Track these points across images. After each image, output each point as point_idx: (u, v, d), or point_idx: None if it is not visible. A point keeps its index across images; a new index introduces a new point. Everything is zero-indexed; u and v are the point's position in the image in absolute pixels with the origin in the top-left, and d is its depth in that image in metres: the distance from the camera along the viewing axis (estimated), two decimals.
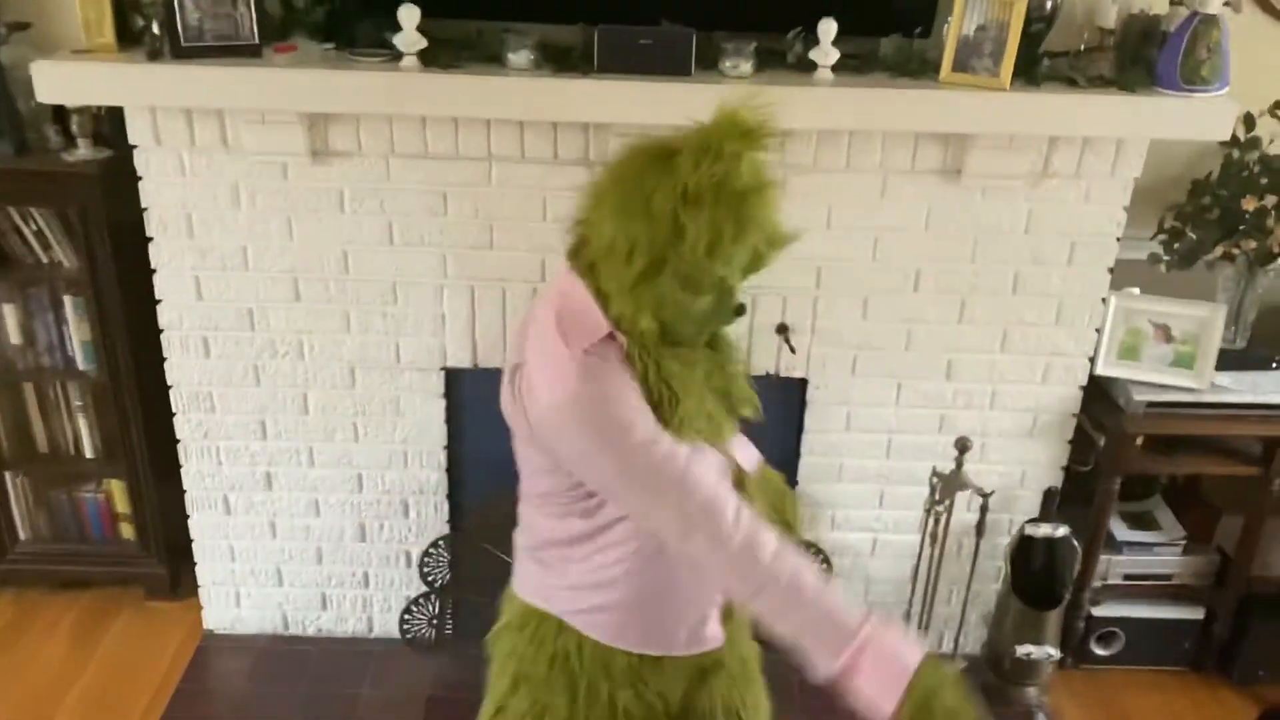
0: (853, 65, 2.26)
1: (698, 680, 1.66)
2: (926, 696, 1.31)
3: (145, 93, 2.21)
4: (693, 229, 1.32)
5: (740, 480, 1.55)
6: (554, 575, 1.61)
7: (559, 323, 1.43)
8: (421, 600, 2.73)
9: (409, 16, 2.15)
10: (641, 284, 1.37)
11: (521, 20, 2.27)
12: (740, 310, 1.44)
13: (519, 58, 2.21)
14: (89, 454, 2.85)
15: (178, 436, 2.63)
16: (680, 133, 1.37)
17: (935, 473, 2.51)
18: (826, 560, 2.72)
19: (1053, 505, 2.63)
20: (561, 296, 1.46)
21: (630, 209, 1.35)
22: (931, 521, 2.55)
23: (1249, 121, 2.52)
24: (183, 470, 2.67)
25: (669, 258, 1.34)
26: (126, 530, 2.92)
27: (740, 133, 1.33)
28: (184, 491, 2.71)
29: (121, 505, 2.90)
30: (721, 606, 1.62)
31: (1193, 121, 2.21)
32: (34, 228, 2.60)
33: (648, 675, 1.61)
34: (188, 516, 2.73)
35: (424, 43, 2.19)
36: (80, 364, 2.73)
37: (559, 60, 2.24)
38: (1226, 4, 2.14)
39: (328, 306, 2.48)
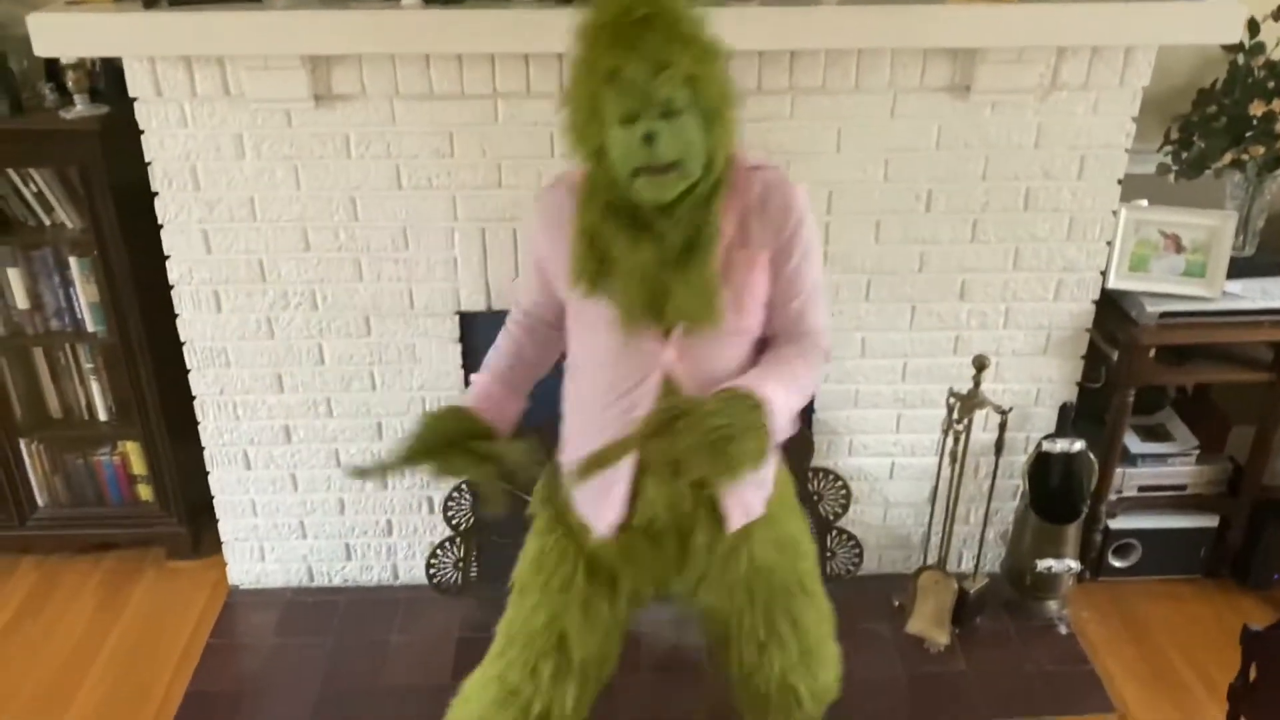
0: None
1: (625, 561, 1.76)
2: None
3: (144, 42, 2.17)
4: (612, 59, 1.41)
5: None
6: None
7: None
8: (446, 545, 2.74)
9: None
10: (577, 99, 1.48)
11: None
12: (648, 139, 1.43)
13: None
14: (103, 417, 2.84)
15: (193, 394, 2.62)
16: None
17: (953, 393, 2.53)
18: (845, 487, 2.74)
19: (1068, 421, 2.66)
20: None
21: (578, 63, 1.48)
22: (950, 441, 2.57)
23: (1253, 27, 2.52)
24: (200, 427, 2.66)
25: (597, 87, 1.44)
26: (145, 492, 2.92)
27: None
28: (202, 449, 2.70)
29: (138, 467, 2.89)
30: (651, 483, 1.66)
31: (1202, 25, 2.20)
32: (34, 189, 2.57)
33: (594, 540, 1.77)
34: (206, 474, 2.73)
35: None
36: (89, 326, 2.71)
37: None
38: None
39: (338, 255, 2.47)
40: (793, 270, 1.63)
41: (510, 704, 1.76)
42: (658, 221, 1.53)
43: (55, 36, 2.15)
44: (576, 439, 1.75)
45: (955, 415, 2.52)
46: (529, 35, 2.17)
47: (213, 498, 2.77)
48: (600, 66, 1.42)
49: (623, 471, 1.66)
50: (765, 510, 1.78)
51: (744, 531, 1.76)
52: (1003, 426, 2.52)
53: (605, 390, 1.66)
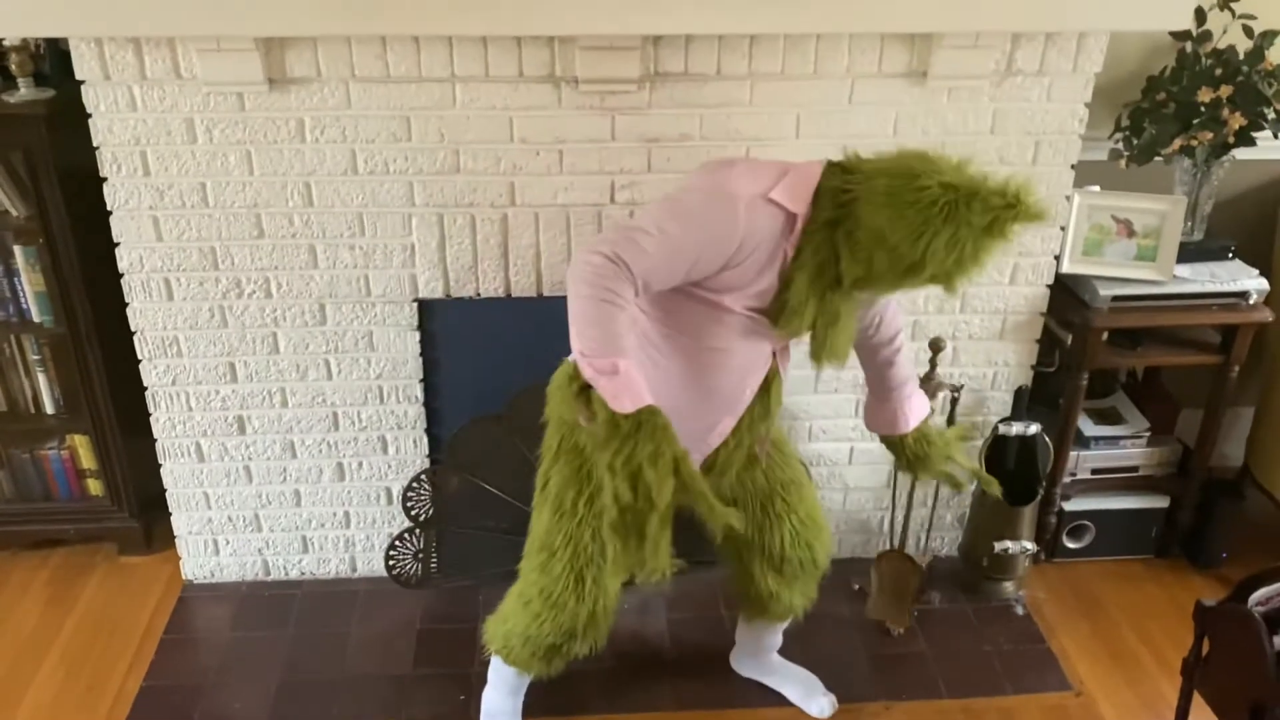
0: None
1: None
2: (654, 426, 1.61)
3: (92, 21, 2.11)
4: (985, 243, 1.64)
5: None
6: None
7: (776, 168, 1.79)
8: (405, 536, 2.72)
9: None
10: (909, 271, 1.69)
11: None
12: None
13: None
14: (50, 409, 2.78)
15: (144, 384, 2.57)
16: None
17: None
18: (806, 472, 2.74)
19: (1024, 404, 2.69)
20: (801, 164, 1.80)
21: (929, 213, 1.63)
22: None
23: (1200, 15, 2.56)
24: (151, 419, 2.61)
25: (935, 264, 1.66)
26: (94, 486, 2.86)
27: (1015, 205, 1.62)
28: (153, 441, 2.65)
29: (87, 461, 2.83)
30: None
31: (1153, 10, 2.24)
32: None
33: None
34: (158, 467, 2.68)
35: None
36: (35, 316, 2.64)
37: None
38: None
39: (293, 241, 2.43)
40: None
41: (556, 614, 1.94)
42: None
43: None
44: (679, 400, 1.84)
45: None
46: (487, 17, 2.15)
47: (165, 491, 2.71)
48: (975, 266, 1.68)
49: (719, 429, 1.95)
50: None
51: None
52: (954, 401, 2.55)
53: (725, 369, 1.88)
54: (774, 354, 1.94)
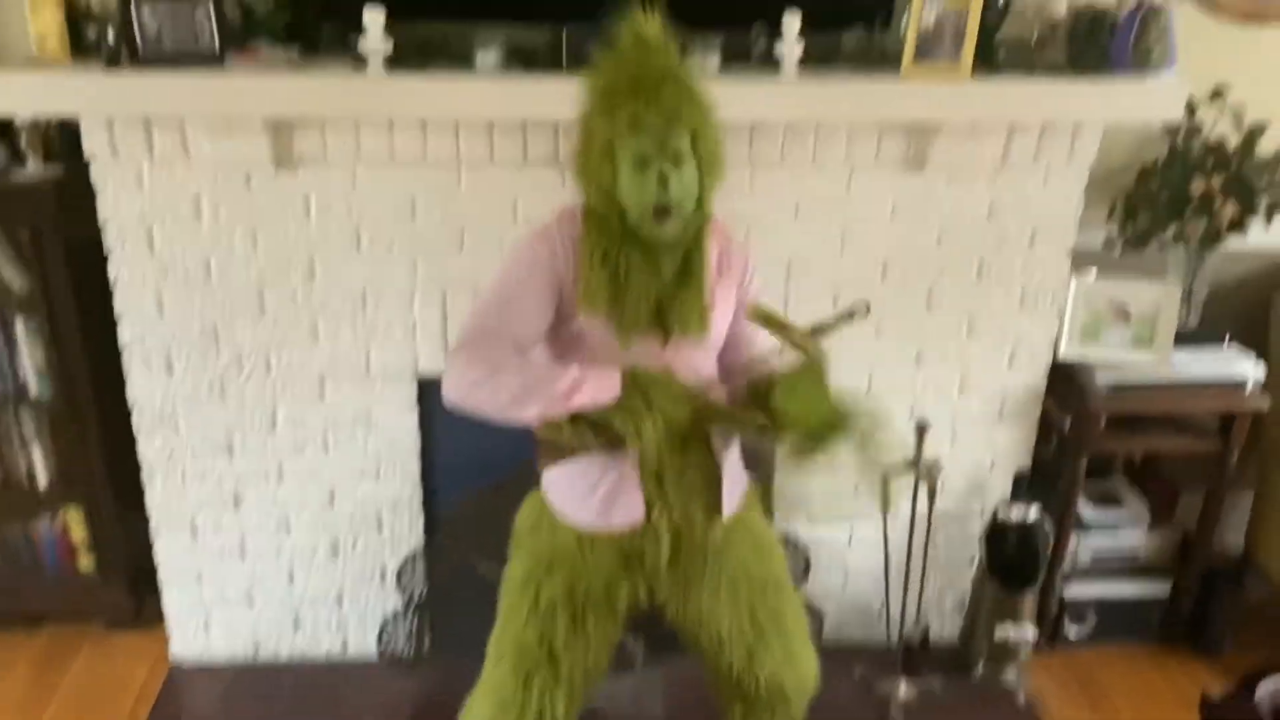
0: (816, 60, 2.30)
1: (620, 568, 1.85)
2: (641, 378, 1.63)
3: (104, 102, 2.16)
4: (632, 107, 1.61)
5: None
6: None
7: None
8: (399, 616, 2.68)
9: (374, 19, 2.13)
10: (581, 161, 1.68)
11: (488, 21, 2.27)
12: (663, 181, 1.63)
13: (487, 58, 2.21)
14: (43, 483, 2.75)
15: (140, 459, 2.55)
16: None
17: (883, 465, 2.50)
18: (805, 557, 2.73)
19: (1023, 488, 2.68)
20: None
21: (592, 108, 1.66)
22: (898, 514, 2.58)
23: (1190, 108, 2.61)
24: (146, 494, 2.59)
25: (615, 136, 1.63)
26: (85, 562, 2.82)
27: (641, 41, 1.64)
28: (147, 517, 2.63)
29: (79, 535, 2.80)
30: (646, 487, 1.79)
31: (1147, 102, 2.29)
32: None
33: (585, 552, 1.84)
34: (151, 543, 2.65)
35: (389, 46, 2.17)
36: (33, 390, 2.63)
37: (527, 60, 2.24)
38: None
39: (295, 318, 2.44)
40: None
41: (506, 714, 1.86)
42: (659, 248, 1.72)
43: (12, 96, 2.13)
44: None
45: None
46: (493, 104, 2.19)
47: (156, 567, 2.68)
48: (621, 113, 1.62)
49: (631, 477, 1.79)
50: (741, 509, 1.95)
51: (728, 527, 1.90)
52: (933, 487, 2.49)
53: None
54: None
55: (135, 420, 2.51)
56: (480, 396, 1.66)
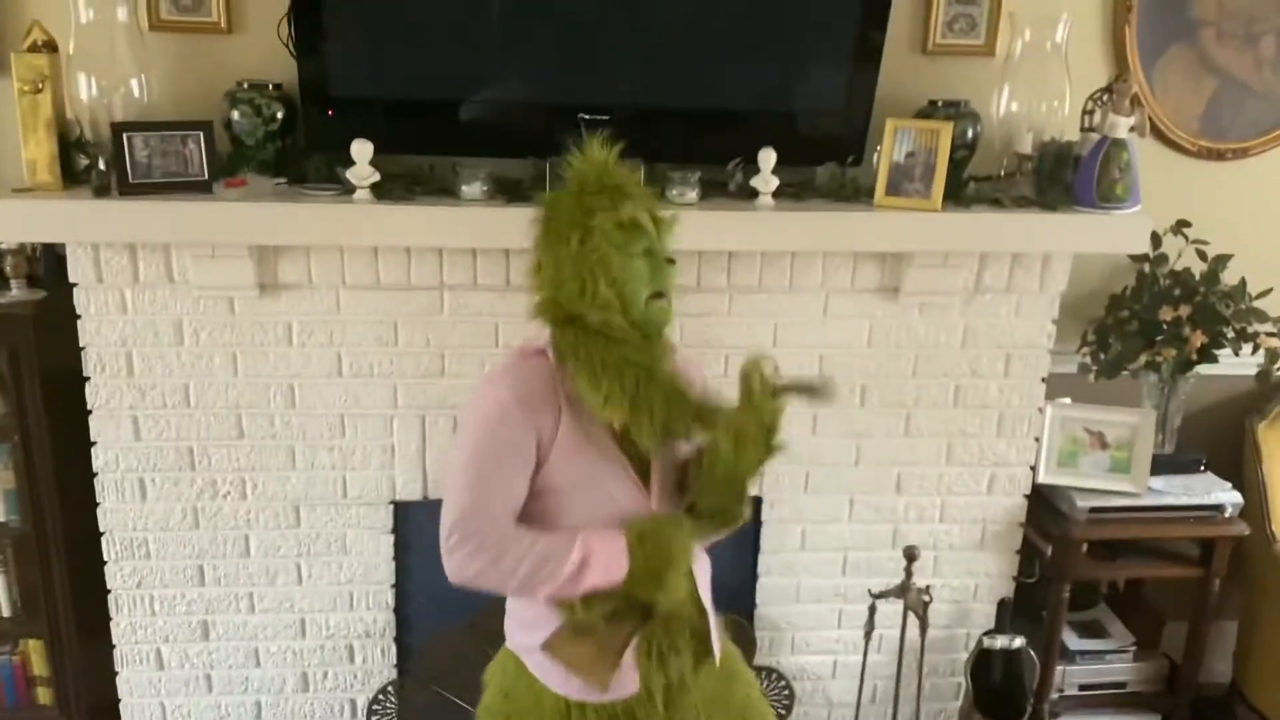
0: (791, 193, 2.37)
1: None
2: (644, 534, 1.62)
3: (93, 229, 2.18)
4: (594, 200, 1.64)
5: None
6: (511, 613, 1.84)
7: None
8: None
9: (362, 151, 2.19)
10: (586, 255, 1.63)
11: (472, 155, 2.32)
12: (670, 261, 1.68)
13: (472, 189, 2.26)
14: (5, 612, 2.66)
15: (108, 587, 2.49)
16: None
17: (872, 594, 2.49)
18: (789, 687, 2.67)
19: (1007, 616, 2.65)
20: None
21: (556, 229, 1.66)
22: (878, 641, 2.54)
23: (1155, 239, 2.69)
24: (112, 623, 2.52)
25: (592, 226, 1.63)
26: (44, 695, 2.71)
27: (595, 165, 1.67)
28: (110, 648, 2.55)
29: (39, 668, 2.69)
30: (641, 657, 1.72)
31: (1112, 235, 2.36)
32: None
33: (580, 709, 1.74)
34: (113, 675, 2.57)
35: (377, 176, 2.22)
36: (1, 515, 2.58)
37: (511, 192, 2.29)
38: (1132, 130, 2.31)
39: (273, 442, 2.42)
40: None
41: None
42: (653, 351, 1.70)
43: (3, 222, 2.15)
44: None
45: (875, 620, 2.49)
46: (478, 232, 2.23)
47: (118, 701, 2.59)
48: (607, 218, 1.62)
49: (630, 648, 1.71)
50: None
51: (710, 675, 1.85)
52: (925, 606, 2.45)
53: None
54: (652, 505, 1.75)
55: (105, 548, 2.46)
56: (487, 584, 1.66)
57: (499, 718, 1.83)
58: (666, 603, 1.65)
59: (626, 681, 1.72)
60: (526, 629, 1.78)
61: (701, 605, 1.80)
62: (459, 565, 1.65)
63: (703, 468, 1.73)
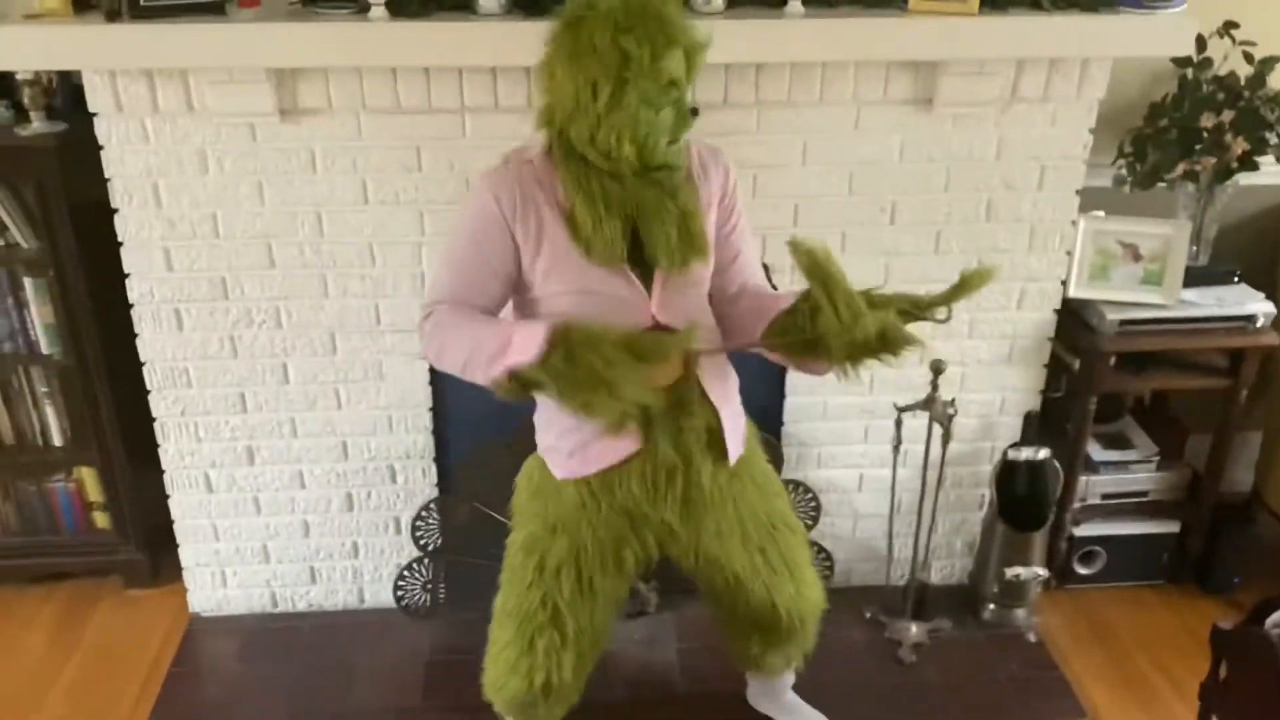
0: None
1: (628, 528, 1.90)
2: (570, 332, 1.59)
3: (106, 55, 2.14)
4: (634, 48, 1.57)
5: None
6: (536, 417, 1.96)
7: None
8: (414, 566, 2.70)
9: None
10: (613, 111, 1.61)
11: None
12: (695, 111, 1.68)
13: (489, 3, 2.19)
14: (58, 442, 2.77)
15: (153, 415, 2.56)
16: None
17: (898, 407, 2.53)
18: (815, 499, 2.75)
19: (1033, 429, 2.69)
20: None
21: (579, 56, 1.60)
22: (903, 455, 2.60)
23: (1200, 43, 2.59)
24: (160, 450, 2.60)
25: (627, 79, 1.59)
26: (100, 519, 2.85)
27: None
28: (161, 473, 2.64)
29: (94, 494, 2.82)
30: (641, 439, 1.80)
31: (1155, 37, 2.26)
32: None
33: (591, 514, 1.87)
34: (166, 499, 2.67)
35: None
36: (44, 348, 2.64)
37: (529, 5, 2.22)
38: None
39: (304, 271, 2.44)
40: (741, 223, 1.90)
41: (515, 673, 1.93)
42: (642, 180, 1.71)
43: (14, 50, 2.12)
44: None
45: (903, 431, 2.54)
46: (496, 48, 2.17)
47: (172, 523, 2.70)
48: (637, 56, 1.58)
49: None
50: (744, 449, 1.96)
51: (732, 471, 1.94)
52: (947, 425, 2.51)
53: None
54: (654, 314, 1.79)
55: (147, 377, 2.52)
56: (444, 365, 1.74)
57: (528, 515, 1.95)
58: (562, 401, 1.61)
59: (605, 451, 1.81)
60: (543, 429, 1.92)
61: (713, 406, 1.84)
62: (425, 345, 1.76)
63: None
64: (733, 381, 1.95)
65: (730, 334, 1.89)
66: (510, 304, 1.85)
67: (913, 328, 1.72)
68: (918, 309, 1.72)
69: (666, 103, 1.64)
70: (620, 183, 1.70)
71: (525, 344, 1.59)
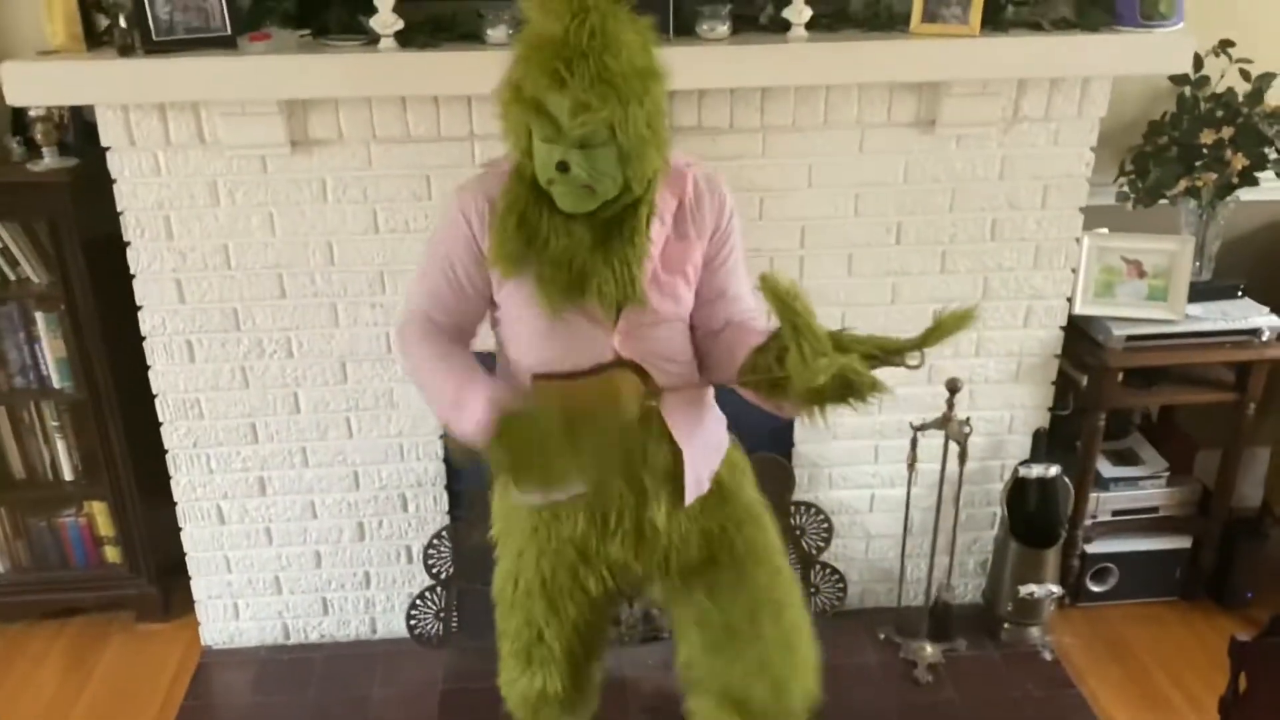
0: (824, 23, 2.32)
1: (578, 558, 1.83)
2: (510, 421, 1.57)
3: (119, 89, 2.17)
4: (519, 68, 1.52)
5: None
6: None
7: None
8: (426, 594, 2.70)
9: None
10: (508, 109, 1.55)
11: None
12: (562, 167, 1.53)
13: (497, 33, 2.22)
14: (68, 476, 2.77)
15: (165, 447, 2.57)
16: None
17: (913, 426, 2.54)
18: (827, 520, 2.75)
19: (1043, 446, 2.70)
20: None
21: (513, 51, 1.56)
22: (916, 473, 2.60)
23: (1197, 61, 2.62)
24: (172, 482, 2.60)
25: (520, 89, 1.52)
26: (111, 553, 2.84)
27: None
28: (171, 507, 2.64)
29: (105, 528, 2.82)
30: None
31: (1154, 55, 2.30)
32: (0, 245, 2.53)
33: (543, 540, 1.84)
34: (178, 531, 2.67)
35: (400, 24, 2.18)
36: (55, 382, 2.65)
37: None
38: None
39: (314, 300, 2.45)
40: (733, 258, 1.78)
41: (513, 690, 1.98)
42: (584, 214, 1.61)
43: (29, 86, 2.14)
44: None
45: (918, 451, 2.55)
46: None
47: (183, 556, 2.70)
48: (527, 92, 1.50)
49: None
50: (713, 486, 1.85)
51: (699, 507, 1.83)
52: (963, 443, 2.51)
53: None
54: (615, 348, 1.70)
55: (159, 409, 2.53)
56: (415, 386, 1.77)
57: (503, 537, 1.96)
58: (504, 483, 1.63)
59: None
60: None
61: (675, 445, 1.75)
62: (400, 361, 1.78)
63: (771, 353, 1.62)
64: (707, 416, 1.86)
65: (711, 369, 1.81)
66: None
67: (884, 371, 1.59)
68: (887, 353, 1.58)
69: (559, 147, 1.53)
70: (546, 201, 1.61)
71: (469, 417, 1.59)
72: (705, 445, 1.84)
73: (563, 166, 1.53)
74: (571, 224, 1.61)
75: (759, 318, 1.76)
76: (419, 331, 1.74)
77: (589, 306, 1.65)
